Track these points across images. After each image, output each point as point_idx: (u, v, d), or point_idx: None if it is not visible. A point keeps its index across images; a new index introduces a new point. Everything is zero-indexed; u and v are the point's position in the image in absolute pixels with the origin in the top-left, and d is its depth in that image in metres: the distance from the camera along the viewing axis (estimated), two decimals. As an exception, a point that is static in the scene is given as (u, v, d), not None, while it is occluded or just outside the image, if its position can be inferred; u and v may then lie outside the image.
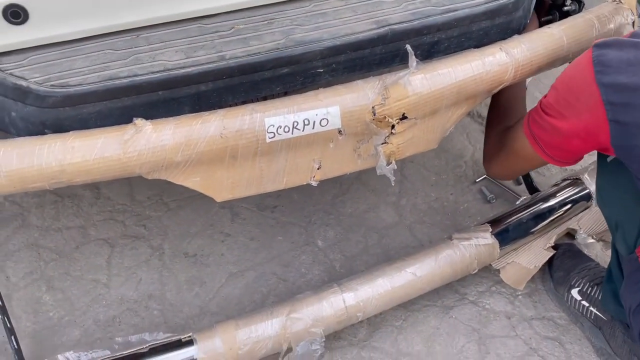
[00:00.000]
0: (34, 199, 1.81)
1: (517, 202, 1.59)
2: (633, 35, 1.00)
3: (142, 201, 1.82)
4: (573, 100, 1.03)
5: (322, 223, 1.75)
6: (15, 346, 1.34)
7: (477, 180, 1.87)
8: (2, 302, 1.39)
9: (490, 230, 1.43)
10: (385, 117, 1.06)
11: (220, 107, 1.08)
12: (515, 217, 1.49)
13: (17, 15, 0.98)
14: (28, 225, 1.74)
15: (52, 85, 0.97)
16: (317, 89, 1.11)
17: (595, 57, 0.99)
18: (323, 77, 1.14)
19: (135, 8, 1.05)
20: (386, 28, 1.11)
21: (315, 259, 1.65)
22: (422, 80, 1.08)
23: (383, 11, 1.14)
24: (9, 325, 1.37)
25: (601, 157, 1.16)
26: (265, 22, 1.12)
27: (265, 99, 1.14)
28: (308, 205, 1.80)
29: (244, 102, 1.11)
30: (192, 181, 1.06)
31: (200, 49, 1.05)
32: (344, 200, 1.82)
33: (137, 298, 1.55)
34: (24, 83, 0.97)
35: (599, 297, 1.38)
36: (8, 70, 0.99)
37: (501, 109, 1.38)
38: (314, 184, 1.14)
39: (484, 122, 2.05)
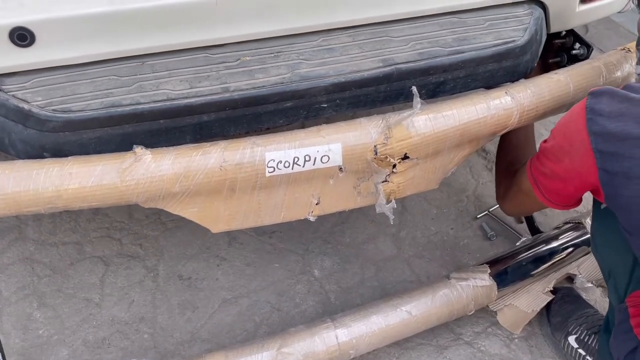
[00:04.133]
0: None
1: (518, 243, 1.57)
2: (626, 87, 1.00)
3: (140, 219, 1.81)
4: (567, 146, 1.04)
5: (319, 252, 1.73)
6: (2, 364, 1.33)
7: (479, 216, 1.85)
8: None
9: (489, 271, 1.41)
10: (387, 157, 1.05)
11: (222, 137, 1.08)
12: (515, 259, 1.47)
13: (23, 38, 0.97)
14: (24, 239, 1.73)
15: (53, 109, 0.97)
16: (320, 123, 1.10)
17: (588, 105, 0.99)
18: (326, 112, 1.14)
19: (142, 35, 1.05)
20: (392, 67, 1.10)
21: (310, 289, 1.62)
22: (426, 122, 1.07)
23: (390, 50, 1.14)
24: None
25: (596, 203, 1.16)
26: (273, 55, 1.11)
27: (267, 129, 1.14)
28: (307, 232, 1.79)
29: (246, 133, 1.10)
30: (189, 212, 1.05)
31: (205, 80, 1.05)
32: (343, 229, 1.80)
33: (128, 320, 1.53)
34: (25, 106, 0.97)
35: (596, 347, 1.35)
36: (11, 91, 0.99)
37: (510, 148, 1.38)
38: (312, 219, 1.12)
39: (488, 157, 2.06)
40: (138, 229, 1.78)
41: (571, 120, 1.04)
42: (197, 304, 1.58)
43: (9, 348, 1.45)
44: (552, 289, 1.50)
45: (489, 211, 1.86)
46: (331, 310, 1.56)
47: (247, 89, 1.04)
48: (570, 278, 1.62)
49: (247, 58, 1.11)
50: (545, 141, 1.12)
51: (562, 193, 1.13)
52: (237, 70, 1.08)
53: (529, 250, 1.50)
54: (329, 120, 1.14)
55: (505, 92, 1.15)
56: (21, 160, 0.97)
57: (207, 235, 1.77)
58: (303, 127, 1.15)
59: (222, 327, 1.52)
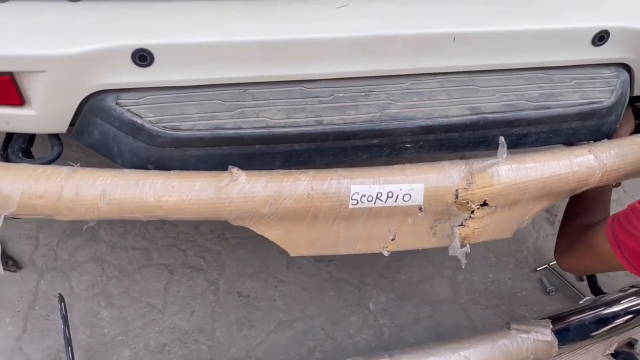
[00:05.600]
0: (107, 214, 1.91)
1: (581, 302, 1.55)
2: None
3: (205, 233, 1.89)
4: None
5: (375, 285, 1.76)
6: (71, 357, 1.40)
7: (538, 269, 1.84)
8: (65, 312, 1.46)
9: (551, 326, 1.40)
10: (467, 202, 1.08)
11: (307, 166, 1.14)
12: (578, 317, 1.45)
13: (143, 59, 1.07)
14: (97, 239, 1.83)
15: (164, 126, 1.05)
16: (401, 162, 1.15)
17: None
18: (408, 152, 1.18)
19: (246, 65, 1.13)
20: (479, 116, 1.14)
21: (364, 322, 1.65)
22: (509, 172, 1.10)
23: (477, 99, 1.18)
24: (68, 335, 1.44)
25: None
26: (363, 93, 1.17)
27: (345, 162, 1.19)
28: (363, 265, 1.82)
29: (329, 165, 1.16)
30: (272, 233, 1.10)
31: (300, 111, 1.12)
32: (399, 265, 1.82)
33: (188, 329, 1.59)
34: (138, 120, 1.06)
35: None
36: (126, 106, 1.08)
37: (584, 204, 1.37)
38: (386, 254, 1.16)
39: (551, 210, 2.04)
40: (202, 242, 1.86)
41: None
42: (254, 322, 1.62)
43: (76, 343, 1.53)
44: (612, 352, 1.47)
45: (549, 265, 1.84)
46: (384, 345, 1.57)
47: (339, 124, 1.10)
48: (630, 343, 1.58)
49: (340, 94, 1.17)
50: (639, 202, 1.10)
51: None
52: (330, 105, 1.14)
53: (592, 310, 1.48)
54: (406, 160, 1.18)
55: (589, 151, 1.16)
56: (129, 170, 1.05)
57: (267, 255, 1.83)
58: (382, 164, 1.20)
59: (276, 348, 1.56)
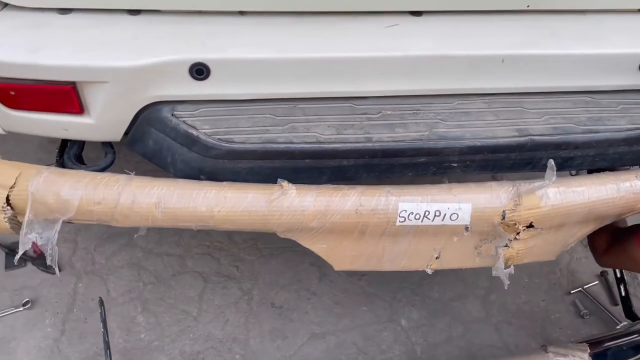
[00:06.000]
0: (143, 221, 1.95)
1: (618, 327, 1.53)
2: None
3: (238, 243, 1.91)
4: None
5: (407, 302, 1.76)
6: (110, 360, 1.42)
7: (572, 292, 1.82)
8: (104, 316, 1.49)
9: (589, 351, 1.38)
10: (514, 223, 1.09)
11: (353, 181, 1.15)
12: (615, 342, 1.43)
13: (200, 72, 1.10)
14: (133, 245, 1.86)
15: (219, 138, 1.07)
16: (445, 180, 1.16)
17: None
18: (454, 171, 1.19)
19: (298, 81, 1.16)
20: (527, 138, 1.15)
21: (397, 338, 1.65)
22: (556, 194, 1.10)
23: (525, 121, 1.18)
24: (107, 339, 1.46)
25: None
26: (411, 112, 1.19)
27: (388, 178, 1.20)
28: (395, 280, 1.82)
29: (373, 181, 1.17)
30: (318, 247, 1.12)
31: (350, 128, 1.13)
32: (431, 283, 1.82)
33: (222, 338, 1.61)
34: (194, 132, 1.09)
35: None
36: (182, 117, 1.11)
37: None
38: (429, 272, 1.17)
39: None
40: (236, 251, 1.88)
41: None
42: (287, 333, 1.64)
43: (113, 346, 1.55)
44: (650, 380, 1.45)
45: (583, 289, 1.83)
46: (417, 362, 1.57)
47: (388, 142, 1.12)
48: (668, 372, 1.56)
49: (388, 112, 1.18)
50: None
51: None
52: (379, 123, 1.16)
53: (630, 336, 1.46)
54: (447, 179, 1.19)
55: (636, 176, 1.16)
56: (184, 180, 1.07)
57: (299, 267, 1.84)
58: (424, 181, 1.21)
59: (309, 360, 1.57)
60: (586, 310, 1.75)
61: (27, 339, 1.56)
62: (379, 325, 1.68)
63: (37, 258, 1.76)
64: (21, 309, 1.62)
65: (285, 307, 1.71)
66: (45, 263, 1.72)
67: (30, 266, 1.75)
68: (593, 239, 1.47)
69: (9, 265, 1.74)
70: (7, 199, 1.03)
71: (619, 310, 1.75)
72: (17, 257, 1.08)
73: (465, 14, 1.26)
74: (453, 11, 1.25)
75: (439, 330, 1.68)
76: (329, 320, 1.68)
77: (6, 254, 1.77)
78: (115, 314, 1.64)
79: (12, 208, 1.04)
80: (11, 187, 1.03)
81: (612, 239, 1.38)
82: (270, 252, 1.88)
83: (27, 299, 1.64)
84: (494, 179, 1.67)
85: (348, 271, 1.83)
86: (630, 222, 1.38)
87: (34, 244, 1.76)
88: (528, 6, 1.26)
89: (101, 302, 1.50)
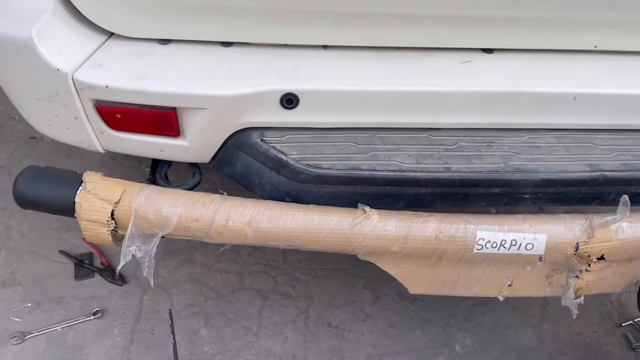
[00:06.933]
0: (201, 237, 2.02)
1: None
2: None
3: (292, 262, 1.97)
4: None
5: (460, 328, 1.79)
6: (179, 371, 1.49)
7: (623, 325, 1.83)
8: (173, 327, 1.56)
9: (649, 384, 1.40)
10: (588, 255, 1.13)
11: (428, 208, 1.21)
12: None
13: (290, 102, 1.18)
14: (194, 261, 1.94)
15: (307, 164, 1.15)
16: (492, 210, 1.21)
17: None
18: (525, 202, 1.24)
19: (378, 112, 1.23)
20: (599, 173, 1.19)
21: (451, 363, 1.68)
22: (628, 229, 1.14)
23: (595, 156, 1.23)
24: (175, 349, 1.53)
25: None
26: (486, 144, 1.25)
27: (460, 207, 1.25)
28: (448, 306, 1.85)
29: (447, 209, 1.23)
30: (395, 270, 1.17)
31: (428, 158, 1.20)
32: (484, 310, 1.85)
33: (282, 355, 1.66)
34: (283, 157, 1.16)
35: None
36: (271, 143, 1.19)
37: None
38: (501, 299, 1.21)
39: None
40: (291, 271, 1.94)
41: None
42: (344, 353, 1.68)
43: (179, 358, 1.61)
44: None
45: (633, 321, 1.84)
46: (472, 388, 1.60)
47: (466, 172, 1.17)
48: None
49: (464, 144, 1.24)
50: None
51: None
52: (456, 154, 1.22)
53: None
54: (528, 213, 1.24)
55: None
56: (274, 202, 1.14)
57: (353, 289, 1.89)
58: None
59: (367, 381, 1.61)
60: (638, 343, 1.76)
61: (98, 347, 1.63)
62: (434, 350, 1.71)
63: (105, 270, 1.84)
64: (92, 318, 1.70)
65: (341, 328, 1.76)
66: (112, 275, 1.83)
67: (97, 277, 1.83)
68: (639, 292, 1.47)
69: (79, 276, 1.83)
70: (112, 214, 1.11)
71: (672, 345, 1.76)
72: (119, 267, 1.15)
73: (533, 52, 1.32)
74: (522, 49, 1.32)
75: (493, 357, 1.70)
76: (384, 343, 1.72)
77: (75, 264, 1.86)
78: (180, 327, 1.70)
79: (115, 222, 1.13)
80: (116, 203, 1.11)
81: None
82: (324, 272, 1.94)
83: (97, 309, 1.72)
84: (542, 210, 1.71)
85: (401, 295, 1.87)
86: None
87: (100, 255, 1.87)
88: (595, 47, 1.32)
89: (170, 315, 1.56)
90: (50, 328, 1.66)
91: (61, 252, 1.89)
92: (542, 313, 1.85)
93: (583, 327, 1.82)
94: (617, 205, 1.17)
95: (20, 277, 1.81)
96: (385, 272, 1.17)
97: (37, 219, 1.97)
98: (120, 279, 1.82)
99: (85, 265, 1.86)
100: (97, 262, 1.88)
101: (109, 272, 1.83)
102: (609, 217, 1.14)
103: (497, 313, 1.84)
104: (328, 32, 1.23)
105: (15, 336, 1.62)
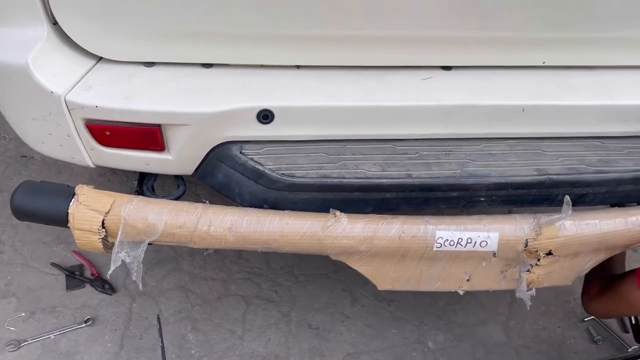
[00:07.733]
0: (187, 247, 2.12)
1: (630, 350, 1.67)
2: None
3: (276, 269, 2.07)
4: None
5: (433, 326, 1.90)
6: (167, 372, 1.57)
7: (585, 319, 1.96)
8: (161, 331, 1.65)
9: (604, 371, 1.52)
10: (536, 250, 1.25)
11: (393, 212, 1.33)
12: (627, 363, 1.57)
13: (266, 117, 1.29)
14: (180, 269, 2.03)
15: (282, 173, 1.26)
16: (472, 213, 1.33)
17: None
18: (481, 205, 1.36)
19: (347, 125, 1.35)
20: (545, 176, 1.32)
21: (425, 358, 1.78)
22: (572, 226, 1.27)
23: (543, 162, 1.36)
24: (163, 351, 1.62)
25: None
26: (445, 152, 1.37)
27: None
28: (421, 306, 1.97)
29: (411, 212, 1.34)
30: (364, 268, 1.28)
31: (392, 166, 1.32)
32: (455, 309, 1.96)
33: (265, 355, 1.75)
34: (260, 168, 1.27)
35: None
36: (249, 155, 1.30)
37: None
38: (461, 293, 1.32)
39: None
40: (274, 277, 2.04)
41: None
42: (324, 352, 1.78)
43: (166, 360, 1.71)
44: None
45: (595, 317, 1.96)
46: (444, 381, 1.71)
47: (425, 178, 1.30)
48: (678, 395, 1.68)
49: (425, 152, 1.37)
50: None
51: None
52: (417, 162, 1.34)
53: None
54: (481, 214, 1.36)
55: (642, 211, 1.33)
56: (252, 209, 1.25)
57: (333, 292, 1.99)
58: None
59: (345, 377, 1.71)
60: (599, 337, 1.88)
61: (90, 353, 1.71)
62: (408, 347, 1.82)
63: (95, 280, 1.93)
64: (83, 325, 1.78)
65: (321, 329, 1.86)
66: (102, 285, 1.92)
67: (88, 287, 1.92)
68: (583, 288, 1.60)
69: (70, 286, 1.91)
70: (103, 223, 1.21)
71: (629, 337, 1.88)
72: (109, 272, 1.24)
73: (487, 68, 1.45)
74: (477, 66, 1.45)
75: (464, 352, 1.81)
76: (362, 341, 1.83)
77: (66, 275, 1.94)
78: (168, 332, 1.79)
79: (105, 231, 1.23)
80: (106, 213, 1.21)
81: (604, 285, 1.51)
82: (305, 278, 2.04)
83: (88, 317, 1.80)
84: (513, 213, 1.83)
85: (377, 297, 1.98)
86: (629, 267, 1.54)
87: (90, 267, 1.95)
88: (544, 62, 1.46)
89: (159, 320, 1.66)
90: (44, 336, 1.74)
91: (53, 264, 1.98)
92: (509, 310, 1.97)
93: (548, 322, 1.94)
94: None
95: (14, 288, 1.89)
96: (362, 276, 1.28)
97: (29, 233, 2.06)
98: (110, 289, 1.91)
99: (76, 276, 1.95)
100: (88, 273, 1.97)
101: (99, 283, 1.92)
102: (554, 216, 1.27)
103: (468, 311, 1.95)
104: (300, 54, 1.35)
105: (11, 344, 1.70)
